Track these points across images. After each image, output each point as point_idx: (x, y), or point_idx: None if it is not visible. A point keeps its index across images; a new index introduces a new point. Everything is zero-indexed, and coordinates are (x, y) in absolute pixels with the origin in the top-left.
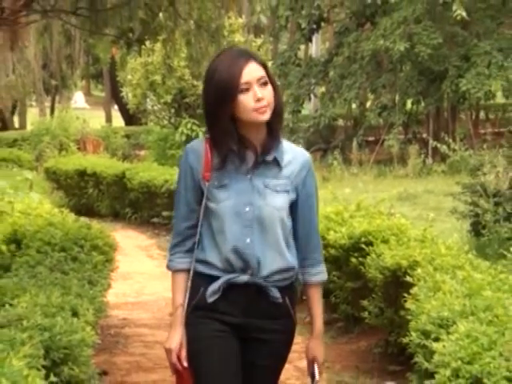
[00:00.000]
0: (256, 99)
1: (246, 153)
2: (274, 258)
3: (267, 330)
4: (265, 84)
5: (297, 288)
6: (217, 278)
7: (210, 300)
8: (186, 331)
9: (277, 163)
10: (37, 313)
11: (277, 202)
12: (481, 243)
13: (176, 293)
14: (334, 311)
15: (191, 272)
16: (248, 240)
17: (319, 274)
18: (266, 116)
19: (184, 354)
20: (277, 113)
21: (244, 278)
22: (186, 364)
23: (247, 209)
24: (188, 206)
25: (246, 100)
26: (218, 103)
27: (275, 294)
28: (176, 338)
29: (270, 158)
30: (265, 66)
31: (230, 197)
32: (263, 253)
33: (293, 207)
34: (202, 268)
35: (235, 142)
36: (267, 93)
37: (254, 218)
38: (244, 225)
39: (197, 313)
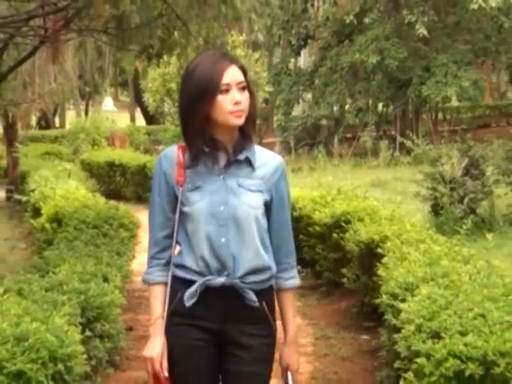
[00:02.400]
0: (234, 102)
1: (218, 154)
2: (250, 256)
3: (247, 335)
4: (243, 89)
5: (274, 295)
6: (194, 281)
7: (188, 304)
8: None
9: (249, 163)
10: (74, 279)
11: (252, 201)
12: (439, 221)
13: (155, 304)
14: (319, 278)
15: (169, 277)
16: (223, 239)
17: (292, 279)
18: (241, 120)
19: (165, 363)
20: (251, 118)
21: (220, 279)
22: (166, 374)
23: (222, 208)
24: (164, 214)
25: (224, 101)
26: (195, 100)
27: (251, 297)
28: (157, 346)
29: (241, 157)
30: (245, 72)
31: (204, 198)
32: (239, 251)
33: (266, 211)
34: (179, 272)
35: (206, 144)
36: (244, 98)
37: (229, 216)
38: (219, 224)
39: (174, 319)
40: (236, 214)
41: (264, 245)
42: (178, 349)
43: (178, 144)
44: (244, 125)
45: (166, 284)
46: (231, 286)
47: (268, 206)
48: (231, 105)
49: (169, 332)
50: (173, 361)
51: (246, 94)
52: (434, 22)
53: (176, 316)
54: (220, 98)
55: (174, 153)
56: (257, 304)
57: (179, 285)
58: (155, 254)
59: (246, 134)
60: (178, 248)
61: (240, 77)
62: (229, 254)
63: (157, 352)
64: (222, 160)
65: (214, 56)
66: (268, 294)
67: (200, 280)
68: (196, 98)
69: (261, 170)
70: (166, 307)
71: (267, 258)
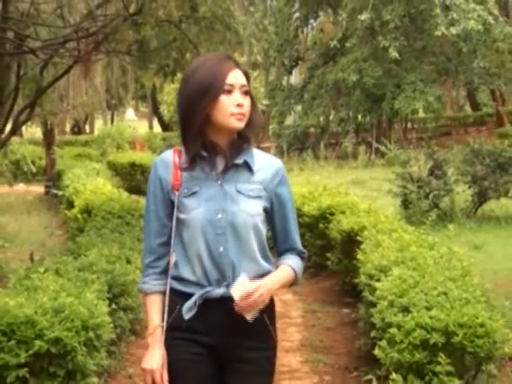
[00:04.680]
0: (236, 104)
1: (216, 158)
2: (249, 266)
3: (247, 349)
4: (246, 93)
5: (275, 305)
6: (192, 294)
7: (187, 317)
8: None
9: (248, 167)
10: (102, 261)
11: (250, 208)
12: (408, 214)
13: (153, 313)
14: (307, 261)
15: (167, 290)
16: (221, 248)
17: (296, 264)
18: (241, 124)
19: (165, 375)
20: (252, 124)
21: (220, 291)
22: None
23: (219, 216)
24: (159, 221)
25: (226, 102)
26: (197, 99)
27: None
28: (157, 358)
29: (239, 161)
30: (248, 78)
31: (200, 204)
32: (238, 261)
33: (267, 217)
34: (176, 285)
35: (205, 147)
36: (247, 102)
37: (228, 225)
38: (216, 233)
39: (173, 334)
40: (234, 222)
41: (263, 253)
42: (176, 364)
43: (174, 148)
44: (243, 130)
45: (163, 293)
46: (231, 297)
47: (269, 212)
48: (233, 106)
49: (167, 346)
50: (171, 376)
51: (248, 99)
52: (404, 46)
53: (174, 330)
54: (223, 98)
55: (169, 157)
56: (257, 315)
57: (177, 298)
58: (151, 263)
59: (244, 138)
60: (173, 257)
61: (244, 80)
62: (228, 263)
63: (157, 363)
64: (220, 165)
65: (218, 56)
66: (268, 307)
67: (198, 292)
68: (198, 96)
69: (260, 173)
70: (165, 321)
71: (267, 267)
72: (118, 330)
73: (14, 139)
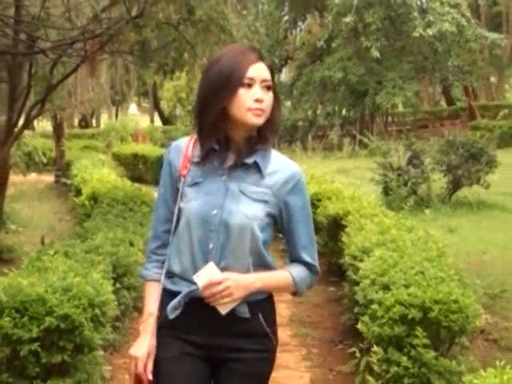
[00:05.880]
0: (255, 99)
1: (228, 153)
2: (238, 269)
3: (239, 350)
4: (268, 89)
5: (274, 305)
6: (179, 293)
7: (172, 316)
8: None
9: (258, 169)
10: (107, 244)
11: (249, 211)
12: (388, 200)
13: (149, 301)
14: None
15: (160, 288)
16: (211, 245)
17: (298, 273)
18: (260, 120)
19: (150, 366)
20: (272, 121)
21: None
22: (150, 377)
23: (214, 212)
24: (167, 207)
25: (245, 96)
26: (215, 91)
27: (241, 308)
28: (144, 346)
29: (250, 160)
30: (272, 73)
31: (199, 196)
32: (227, 262)
33: (277, 224)
34: (166, 283)
35: (219, 141)
36: (268, 98)
37: (221, 222)
38: (209, 229)
39: (162, 331)
40: (229, 222)
41: (258, 260)
42: (164, 362)
43: (192, 135)
44: (262, 127)
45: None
46: None
47: (277, 219)
48: (251, 101)
49: (157, 344)
50: (159, 374)
51: (271, 94)
52: (384, 46)
53: (164, 328)
54: (241, 91)
55: (184, 144)
56: (248, 315)
57: (166, 296)
58: (155, 249)
59: (262, 137)
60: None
61: (266, 74)
62: (215, 262)
63: (143, 352)
64: (230, 161)
65: (241, 48)
66: (264, 304)
67: (185, 290)
68: (216, 88)
69: (271, 177)
70: (156, 311)
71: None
72: (122, 307)
73: (27, 132)
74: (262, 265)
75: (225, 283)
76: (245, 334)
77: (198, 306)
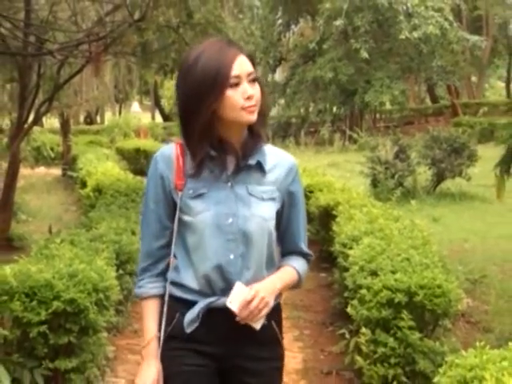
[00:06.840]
0: (246, 97)
1: (227, 158)
2: (256, 275)
3: (253, 359)
4: (253, 81)
5: (282, 311)
6: (194, 302)
7: (189, 330)
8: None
9: (260, 167)
10: (111, 232)
11: (264, 212)
12: (376, 191)
13: (149, 322)
14: None
15: (166, 296)
16: (232, 256)
17: (300, 267)
18: (254, 116)
19: None
20: (262, 114)
21: (224, 300)
22: None
23: (230, 220)
24: (160, 223)
25: (235, 96)
26: (200, 97)
27: None
28: (151, 374)
29: (253, 161)
30: (253, 62)
31: (209, 207)
32: (247, 269)
33: (277, 218)
34: (176, 291)
35: (213, 146)
36: (256, 91)
37: (239, 230)
38: (227, 239)
39: (171, 344)
40: (247, 228)
41: (269, 258)
42: (175, 377)
43: (176, 142)
44: (254, 122)
45: (159, 297)
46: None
47: (278, 213)
48: (243, 99)
49: (165, 358)
50: None
51: (257, 86)
52: (373, 48)
53: (174, 340)
54: (229, 92)
55: (172, 152)
56: (265, 322)
57: (177, 305)
58: (148, 266)
59: (255, 133)
60: (174, 262)
61: (250, 67)
62: (236, 272)
63: (151, 380)
64: (231, 165)
65: (218, 44)
66: (276, 312)
67: (202, 302)
68: (201, 92)
69: (272, 173)
70: (163, 329)
71: (266, 275)
72: (125, 292)
73: (36, 128)
74: (272, 265)
75: (258, 296)
76: (259, 341)
77: (214, 316)
